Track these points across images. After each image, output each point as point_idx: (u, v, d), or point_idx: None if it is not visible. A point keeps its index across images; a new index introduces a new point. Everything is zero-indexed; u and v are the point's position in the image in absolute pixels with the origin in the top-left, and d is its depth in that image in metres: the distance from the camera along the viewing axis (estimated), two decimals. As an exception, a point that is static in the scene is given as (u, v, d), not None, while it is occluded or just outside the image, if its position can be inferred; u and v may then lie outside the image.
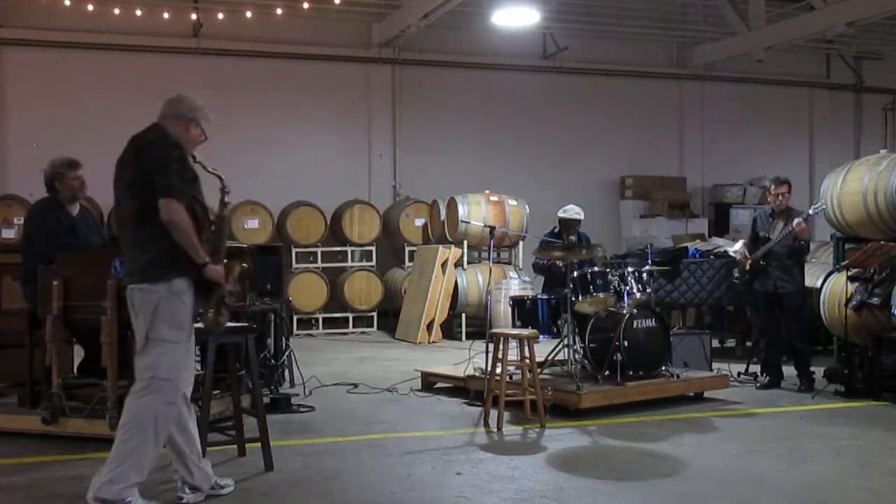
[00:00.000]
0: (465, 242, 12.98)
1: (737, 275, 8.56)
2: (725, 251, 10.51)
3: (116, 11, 12.98)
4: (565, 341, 7.53)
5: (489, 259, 8.41)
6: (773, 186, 8.39)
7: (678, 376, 7.63)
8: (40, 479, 5.17)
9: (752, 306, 9.65)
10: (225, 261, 4.64)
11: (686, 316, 11.09)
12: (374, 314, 13.80)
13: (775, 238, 8.16)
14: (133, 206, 4.42)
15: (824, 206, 8.55)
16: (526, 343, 6.71)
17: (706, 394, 7.77)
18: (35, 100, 13.25)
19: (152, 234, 4.37)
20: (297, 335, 12.31)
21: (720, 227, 15.88)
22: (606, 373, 7.29)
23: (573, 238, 8.81)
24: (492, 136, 15.31)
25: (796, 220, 7.99)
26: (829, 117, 17.78)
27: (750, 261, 8.30)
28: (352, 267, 13.74)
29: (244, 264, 4.87)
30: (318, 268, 13.54)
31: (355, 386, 8.37)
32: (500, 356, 6.68)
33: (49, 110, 13.14)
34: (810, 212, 8.28)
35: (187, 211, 4.38)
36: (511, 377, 6.98)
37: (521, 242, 13.27)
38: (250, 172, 13.87)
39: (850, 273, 8.33)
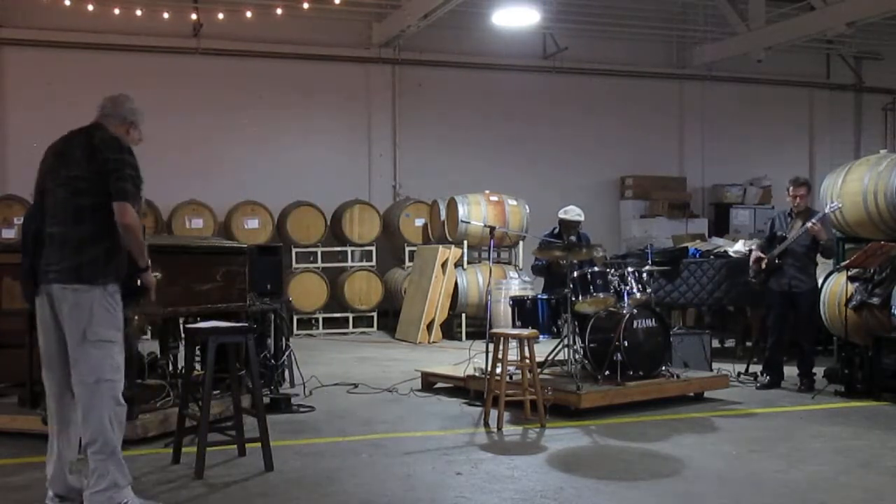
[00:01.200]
0: (465, 242, 12.98)
1: (752, 273, 8.50)
2: (725, 251, 10.50)
3: (116, 11, 12.98)
4: (565, 341, 7.52)
5: (489, 259, 8.41)
6: (791, 188, 8.32)
7: (678, 376, 7.62)
8: (40, 479, 5.13)
9: (750, 305, 9.66)
10: None
11: (686, 316, 11.10)
12: (374, 314, 13.81)
13: (792, 236, 8.13)
14: (73, 203, 4.37)
15: (840, 205, 8.44)
16: (526, 343, 6.70)
17: (706, 394, 7.77)
18: (35, 100, 13.25)
19: (92, 233, 4.34)
20: (297, 335, 12.30)
21: (720, 227, 15.88)
22: (606, 373, 7.29)
23: (573, 239, 8.79)
24: (492, 136, 15.31)
25: (810, 223, 7.97)
26: (829, 117, 17.78)
27: (766, 259, 8.28)
28: (352, 267, 13.74)
29: (156, 274, 4.83)
30: (318, 268, 13.54)
31: (355, 386, 8.36)
32: (500, 356, 6.68)
33: (49, 110, 13.07)
34: (826, 210, 8.23)
35: None
36: (511, 377, 6.98)
37: (521, 242, 13.27)
38: (250, 172, 13.92)
39: (850, 273, 8.33)
